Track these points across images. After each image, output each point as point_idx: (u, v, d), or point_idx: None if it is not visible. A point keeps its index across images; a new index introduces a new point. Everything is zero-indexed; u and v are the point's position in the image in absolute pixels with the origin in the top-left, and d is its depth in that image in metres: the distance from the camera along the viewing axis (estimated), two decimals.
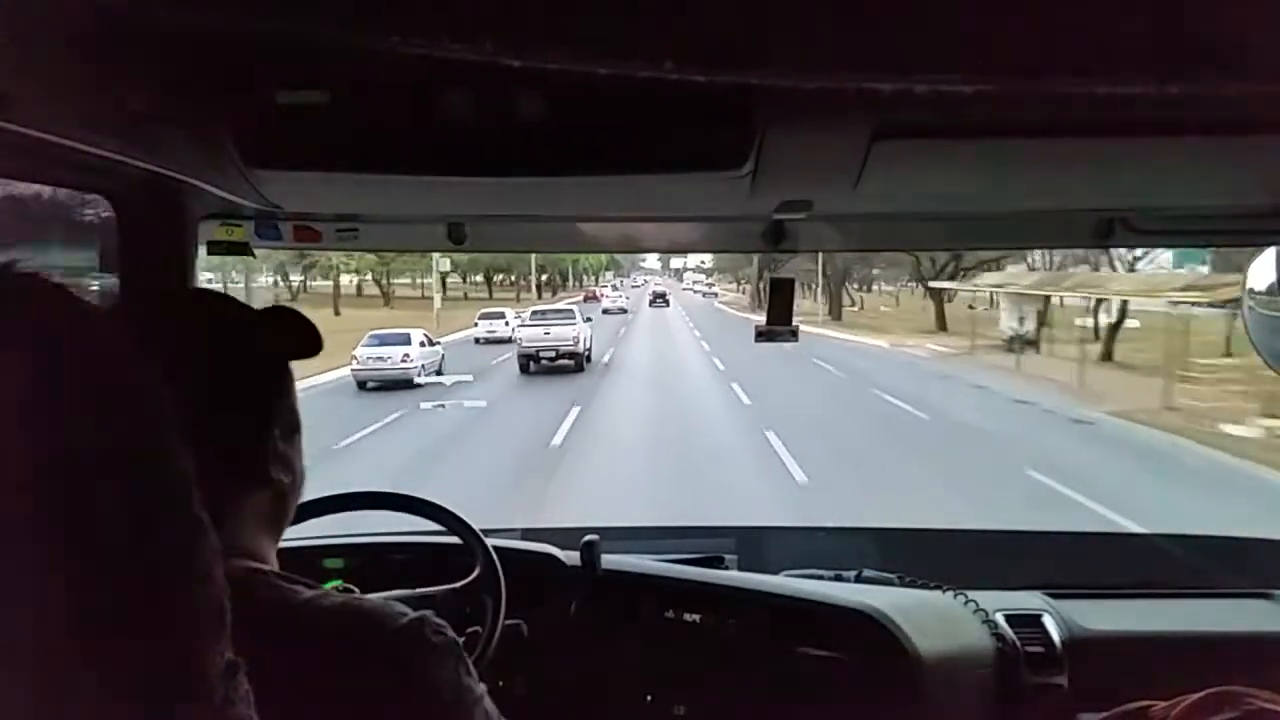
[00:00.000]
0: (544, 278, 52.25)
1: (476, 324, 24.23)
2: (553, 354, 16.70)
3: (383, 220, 1.48)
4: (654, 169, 0.92)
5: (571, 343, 16.86)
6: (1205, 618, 1.76)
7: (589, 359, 17.67)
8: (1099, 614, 1.71)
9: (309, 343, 0.85)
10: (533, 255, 30.68)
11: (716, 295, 59.82)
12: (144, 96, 0.82)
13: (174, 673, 0.40)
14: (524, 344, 17.12)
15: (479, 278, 48.06)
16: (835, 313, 32.95)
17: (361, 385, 15.12)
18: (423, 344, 16.35)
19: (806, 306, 41.77)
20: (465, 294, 45.65)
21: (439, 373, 16.21)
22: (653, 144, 0.88)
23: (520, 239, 1.68)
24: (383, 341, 15.67)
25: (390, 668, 0.75)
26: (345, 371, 15.20)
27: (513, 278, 48.33)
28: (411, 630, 0.76)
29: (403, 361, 15.42)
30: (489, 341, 22.57)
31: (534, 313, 19.28)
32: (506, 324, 23.23)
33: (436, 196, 1.19)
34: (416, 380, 15.18)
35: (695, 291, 63.12)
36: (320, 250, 1.70)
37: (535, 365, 16.66)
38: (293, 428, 0.84)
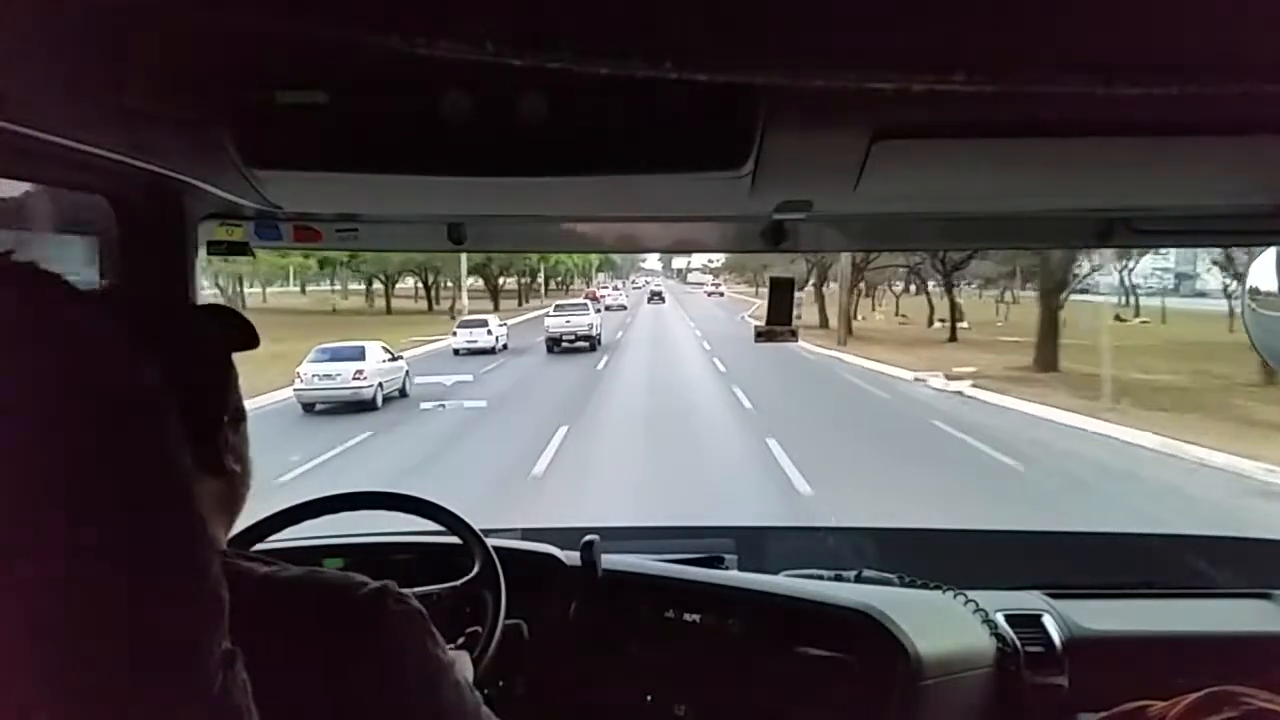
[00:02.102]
0: (505, 280, 40.73)
1: (455, 333, 21.05)
2: (573, 336, 21.13)
3: (383, 220, 1.48)
4: (654, 169, 0.92)
5: (587, 328, 21.46)
6: (1205, 618, 1.76)
7: (600, 341, 21.92)
8: (1099, 614, 1.71)
9: (247, 337, 0.89)
10: (464, 257, 25.80)
11: (723, 295, 53.12)
12: (144, 96, 0.82)
13: (173, 663, 0.40)
14: (550, 330, 21.40)
15: (409, 281, 37.80)
16: (1047, 358, 15.82)
17: (308, 408, 13.08)
18: (382, 360, 14.32)
19: (925, 333, 24.91)
20: (388, 304, 35.93)
21: (403, 392, 14.34)
22: (653, 144, 0.88)
23: (520, 239, 1.68)
24: (333, 356, 13.48)
25: (354, 635, 0.75)
26: None
27: (447, 282, 36.64)
28: (372, 598, 0.77)
29: (355, 379, 13.25)
30: (470, 353, 19.93)
31: (557, 306, 24.43)
32: (489, 333, 20.76)
33: (436, 196, 1.19)
34: (371, 399, 13.28)
35: (707, 292, 55.97)
36: (320, 250, 1.69)
37: (558, 347, 20.91)
38: (240, 418, 0.86)
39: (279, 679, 0.65)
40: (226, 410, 0.83)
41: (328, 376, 13.27)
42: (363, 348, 14.07)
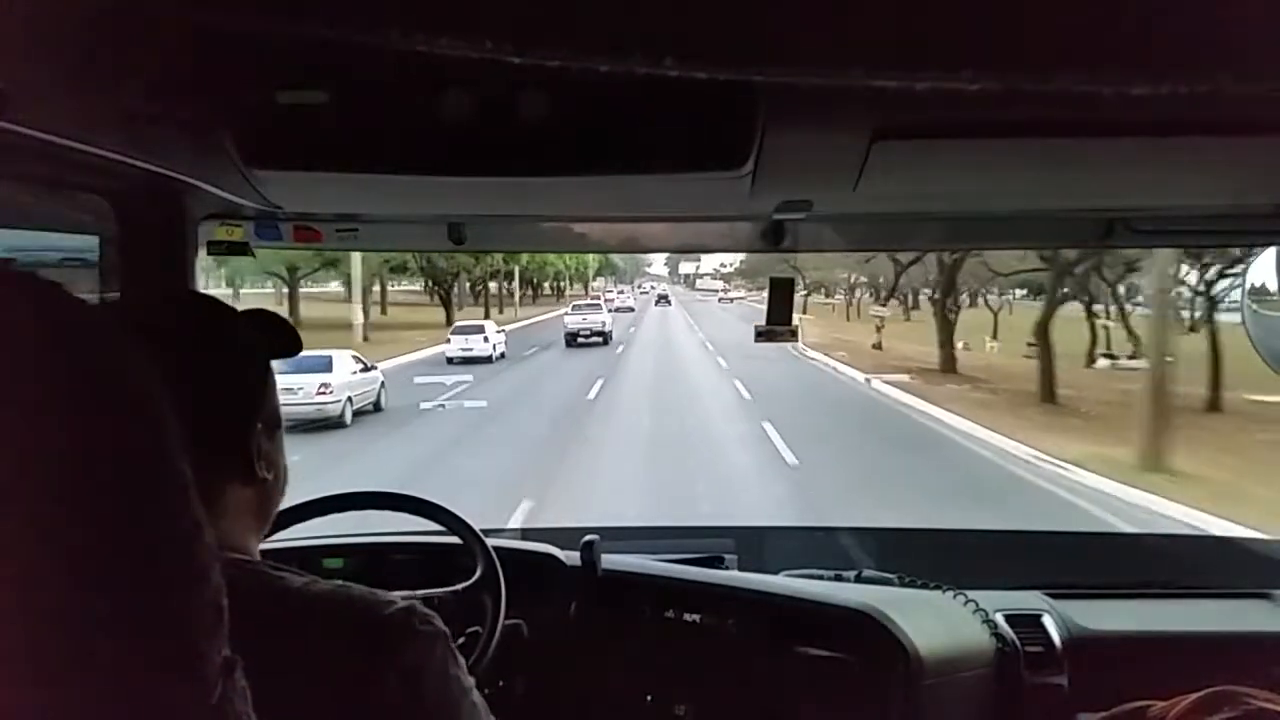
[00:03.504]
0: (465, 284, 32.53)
1: (449, 339, 19.32)
2: (588, 332, 24.26)
3: (383, 220, 1.48)
4: (654, 169, 0.93)
5: (600, 325, 24.74)
6: (1205, 618, 1.76)
7: (611, 337, 24.98)
8: (1099, 614, 1.71)
9: (289, 342, 0.89)
10: (356, 256, 19.63)
11: (733, 302, 46.27)
12: (144, 96, 0.82)
13: (171, 671, 0.40)
14: (568, 326, 24.54)
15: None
16: None
17: None
18: (352, 371, 12.83)
19: None
20: (295, 313, 25.59)
21: (377, 406, 13.07)
22: (653, 144, 0.88)
23: (520, 239, 1.68)
24: (295, 367, 11.41)
25: (377, 654, 0.75)
26: None
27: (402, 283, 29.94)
28: (399, 618, 0.77)
29: (319, 394, 11.71)
30: (465, 361, 18.16)
31: (574, 306, 27.72)
32: (486, 340, 19.18)
33: (436, 196, 1.19)
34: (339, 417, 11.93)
35: (719, 299, 49.44)
36: (321, 250, 1.69)
37: (574, 342, 23.73)
38: (275, 425, 0.86)
39: (303, 692, 0.65)
40: (260, 417, 0.83)
41: (288, 390, 10.29)
42: (329, 358, 12.48)
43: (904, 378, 15.15)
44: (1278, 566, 1.98)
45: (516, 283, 39.26)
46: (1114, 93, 0.46)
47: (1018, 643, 1.62)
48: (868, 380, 15.57)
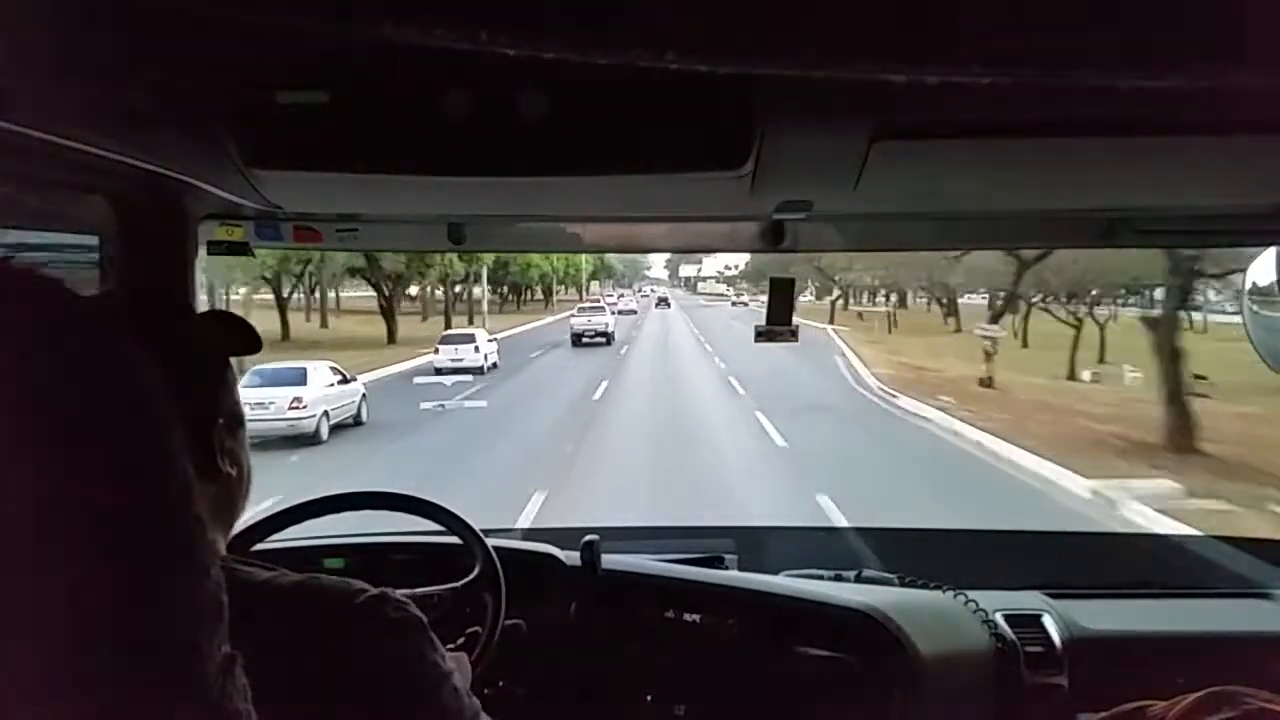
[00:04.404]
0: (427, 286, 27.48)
1: (437, 349, 17.42)
2: (593, 333, 25.15)
3: (383, 220, 1.48)
4: (654, 169, 0.93)
5: (604, 326, 25.68)
6: (1205, 618, 1.76)
7: (614, 338, 25.76)
8: (1099, 614, 1.71)
9: (248, 341, 0.91)
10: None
11: (747, 305, 37.76)
12: (144, 96, 0.82)
13: (173, 667, 0.40)
14: (574, 328, 25.17)
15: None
16: None
17: None
18: (329, 383, 12.01)
19: None
20: None
21: (358, 420, 12.34)
22: (653, 144, 0.88)
23: (520, 239, 1.68)
24: (269, 380, 10.97)
25: (350, 644, 0.75)
26: None
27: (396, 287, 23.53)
28: (370, 605, 0.77)
29: (291, 408, 11.03)
30: (454, 371, 16.31)
31: (579, 309, 28.05)
32: (477, 350, 17.41)
33: (436, 196, 1.19)
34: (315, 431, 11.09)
35: (731, 302, 42.99)
36: (321, 250, 1.68)
37: (579, 342, 24.54)
38: (236, 422, 0.86)
39: (276, 686, 0.65)
40: (220, 413, 0.83)
41: (260, 405, 10.59)
42: (304, 370, 11.80)
43: (1171, 488, 7.86)
44: (1278, 567, 1.98)
45: (484, 287, 31.79)
46: (1115, 92, 0.46)
47: (1018, 643, 1.62)
48: (1095, 493, 7.90)
